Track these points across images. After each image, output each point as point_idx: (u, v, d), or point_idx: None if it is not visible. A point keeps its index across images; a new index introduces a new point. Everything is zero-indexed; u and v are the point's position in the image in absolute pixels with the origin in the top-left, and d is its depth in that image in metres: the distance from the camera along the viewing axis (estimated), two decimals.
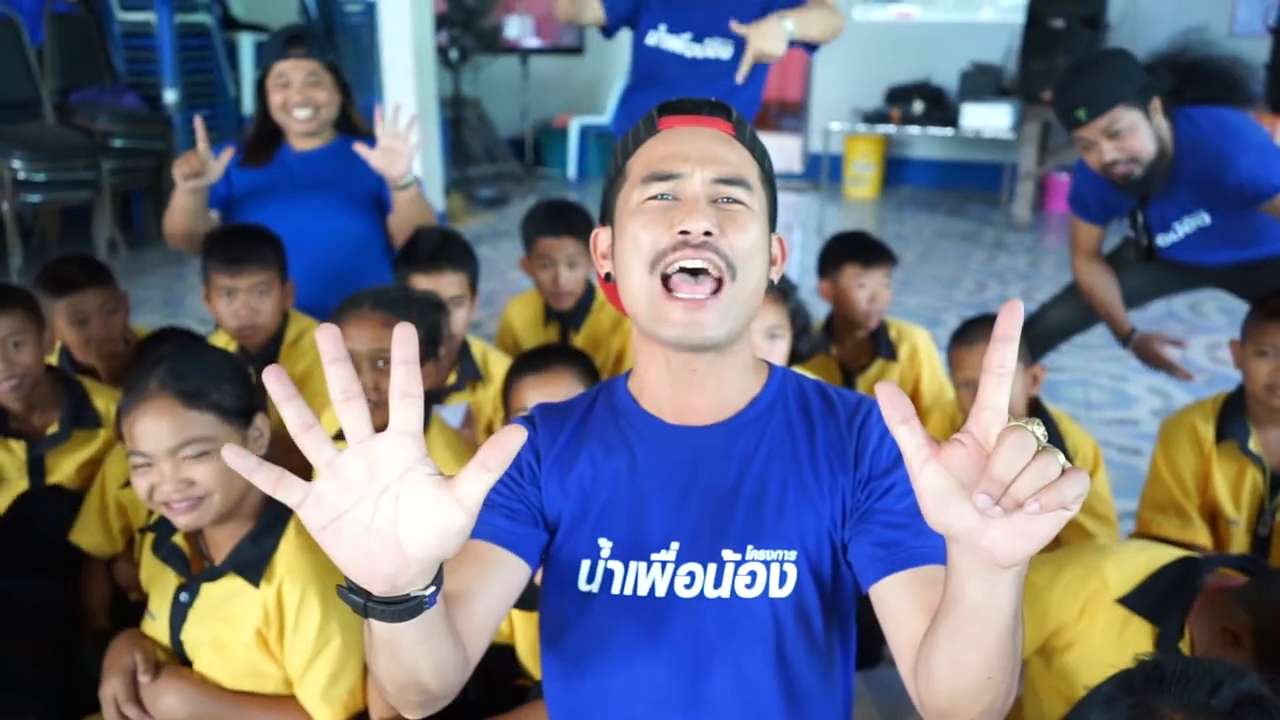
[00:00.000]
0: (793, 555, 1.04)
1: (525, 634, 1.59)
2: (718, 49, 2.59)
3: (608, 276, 1.09)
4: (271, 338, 2.25)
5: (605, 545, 1.06)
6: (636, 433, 1.09)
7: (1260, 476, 1.99)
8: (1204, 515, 2.03)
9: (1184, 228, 2.40)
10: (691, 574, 1.04)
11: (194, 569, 1.49)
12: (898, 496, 1.01)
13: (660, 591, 1.04)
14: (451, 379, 2.21)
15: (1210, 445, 2.01)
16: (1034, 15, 5.89)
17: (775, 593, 1.03)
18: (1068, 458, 2.02)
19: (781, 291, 2.01)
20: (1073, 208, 2.63)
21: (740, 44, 2.45)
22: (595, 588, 1.06)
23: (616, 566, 1.06)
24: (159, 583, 1.52)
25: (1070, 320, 2.80)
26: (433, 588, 0.79)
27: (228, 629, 1.45)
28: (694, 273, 0.99)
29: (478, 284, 2.32)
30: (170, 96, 5.27)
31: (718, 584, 1.03)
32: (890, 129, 6.79)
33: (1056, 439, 2.05)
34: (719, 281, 0.99)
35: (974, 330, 2.09)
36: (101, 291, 2.28)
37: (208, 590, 1.46)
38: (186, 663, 1.49)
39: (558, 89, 7.87)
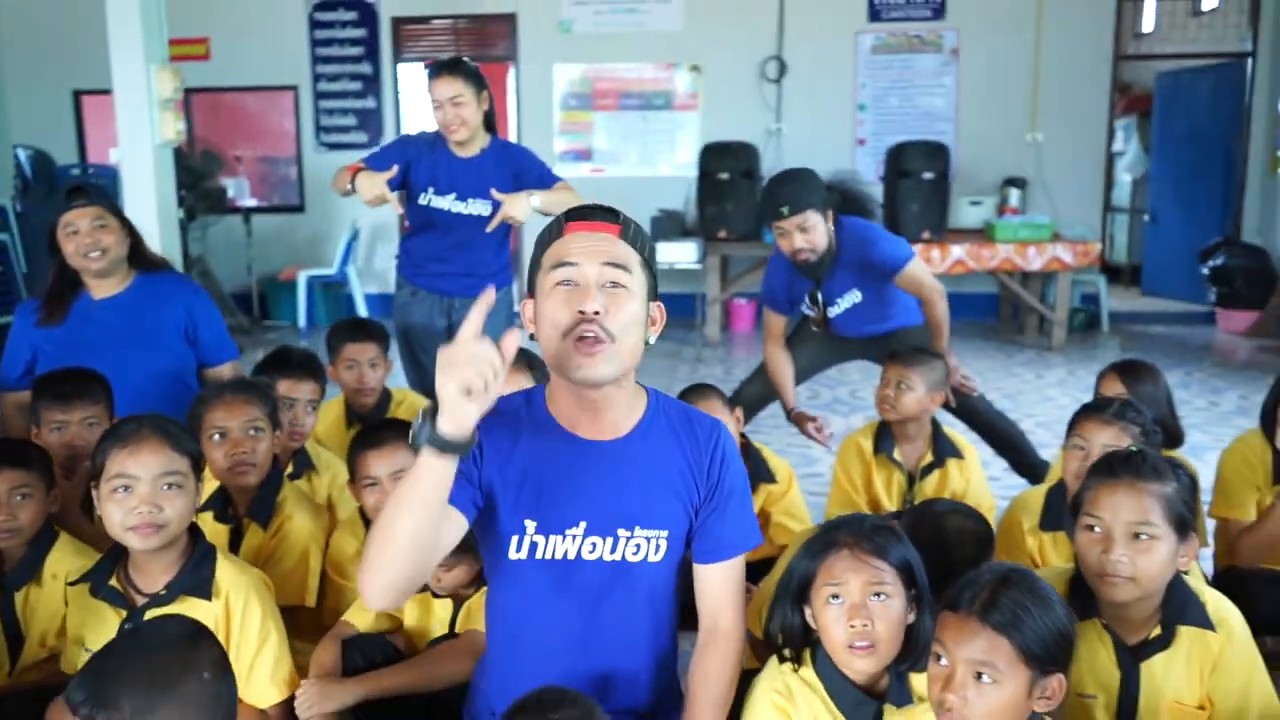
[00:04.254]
0: (665, 534, 1.54)
1: None
2: (478, 207, 3.34)
3: (532, 336, 1.51)
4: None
5: (530, 525, 1.51)
6: (557, 442, 1.53)
7: (903, 478, 2.82)
8: (870, 508, 2.82)
9: (844, 302, 3.33)
10: (594, 544, 1.52)
11: (131, 604, 1.82)
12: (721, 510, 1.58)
13: (571, 556, 1.52)
14: (290, 469, 2.61)
15: (870, 455, 2.83)
16: (704, 169, 7.10)
17: (653, 558, 1.54)
18: (771, 476, 2.74)
19: (528, 364, 2.53)
20: (765, 301, 3.50)
21: (497, 205, 3.24)
22: (524, 555, 1.52)
23: (540, 540, 1.52)
24: (94, 623, 1.82)
25: (762, 393, 3.61)
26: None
27: None
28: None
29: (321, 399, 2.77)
30: None
31: (613, 551, 1.53)
32: None
33: (762, 463, 2.78)
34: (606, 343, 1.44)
35: None
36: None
37: (152, 615, 1.77)
38: None
39: (282, 244, 8.17)
